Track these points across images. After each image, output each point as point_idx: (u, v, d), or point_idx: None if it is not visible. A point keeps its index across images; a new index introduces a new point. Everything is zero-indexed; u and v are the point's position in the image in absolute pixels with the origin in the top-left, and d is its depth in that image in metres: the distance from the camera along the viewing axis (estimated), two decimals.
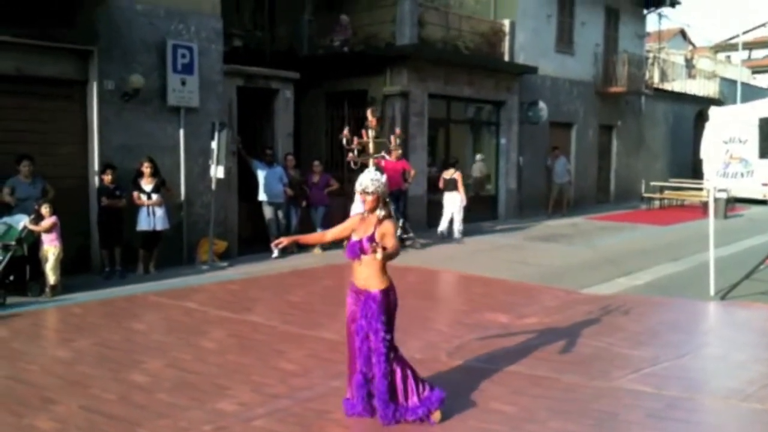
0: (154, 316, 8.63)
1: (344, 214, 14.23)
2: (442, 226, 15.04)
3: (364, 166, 5.44)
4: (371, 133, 5.48)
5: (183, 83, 11.63)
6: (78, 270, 10.56)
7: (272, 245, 5.40)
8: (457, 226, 15.00)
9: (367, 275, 5.11)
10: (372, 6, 17.05)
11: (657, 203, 23.44)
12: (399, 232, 13.31)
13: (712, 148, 9.94)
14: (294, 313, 8.81)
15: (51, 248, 9.36)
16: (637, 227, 18.01)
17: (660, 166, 27.22)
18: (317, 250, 13.12)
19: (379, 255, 4.81)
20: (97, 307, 8.84)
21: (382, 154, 12.01)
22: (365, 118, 16.08)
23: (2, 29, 9.67)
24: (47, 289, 9.31)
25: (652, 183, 23.87)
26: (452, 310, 9.07)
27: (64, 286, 9.55)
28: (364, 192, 5.09)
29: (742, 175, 9.64)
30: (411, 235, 14.30)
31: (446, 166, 15.54)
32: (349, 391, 5.35)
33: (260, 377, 6.27)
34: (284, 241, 5.41)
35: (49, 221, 9.33)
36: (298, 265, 11.96)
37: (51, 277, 9.34)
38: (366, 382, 5.14)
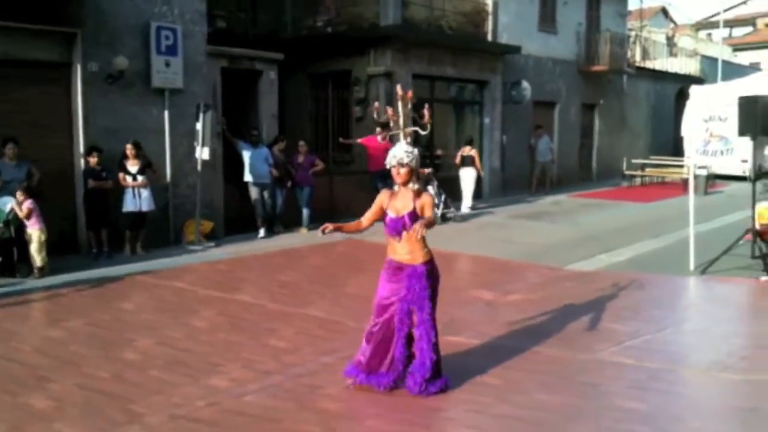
0: (144, 296, 8.68)
1: (329, 194, 14.40)
2: (467, 201, 16.26)
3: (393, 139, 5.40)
4: (401, 107, 5.44)
5: (167, 65, 11.62)
6: (66, 251, 10.61)
7: (318, 231, 5.28)
8: (467, 201, 16.27)
9: (408, 250, 5.15)
10: None
11: (638, 181, 23.67)
12: (441, 207, 14.31)
13: (692, 126, 10.09)
14: (282, 292, 8.92)
15: (33, 231, 9.36)
16: (619, 204, 18.21)
17: (642, 144, 27.43)
18: (303, 230, 13.22)
19: (419, 234, 4.87)
20: (87, 288, 8.89)
21: (380, 131, 12.14)
22: (349, 99, 16.20)
23: None
24: (35, 271, 9.35)
25: (634, 161, 24.08)
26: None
27: (53, 268, 9.58)
28: (399, 164, 5.09)
29: (722, 152, 9.82)
30: (452, 209, 15.12)
31: (464, 144, 16.73)
32: (364, 360, 5.33)
33: (251, 354, 6.37)
34: (329, 226, 5.24)
35: (25, 208, 9.28)
36: (285, 244, 12.04)
37: (36, 260, 9.37)
38: (404, 357, 5.19)
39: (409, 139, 5.44)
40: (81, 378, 5.75)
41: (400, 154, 5.10)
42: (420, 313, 5.13)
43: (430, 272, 5.20)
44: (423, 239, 5.15)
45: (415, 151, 5.20)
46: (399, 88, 5.65)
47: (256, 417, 5.00)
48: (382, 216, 5.30)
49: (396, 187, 5.23)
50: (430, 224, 4.99)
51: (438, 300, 5.34)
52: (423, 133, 5.62)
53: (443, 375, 5.36)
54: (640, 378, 5.72)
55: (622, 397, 5.33)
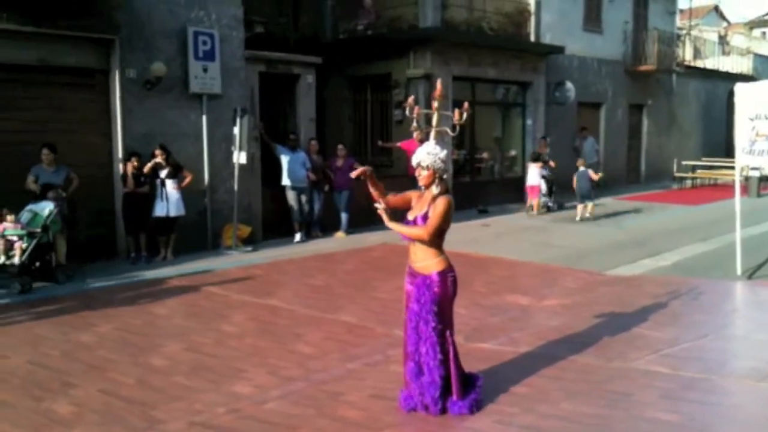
0: (177, 300, 8.71)
1: (368, 198, 14.25)
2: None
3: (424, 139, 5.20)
4: (436, 104, 5.22)
5: (205, 70, 11.69)
6: (104, 256, 10.76)
7: (353, 174, 5.01)
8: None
9: (422, 257, 4.93)
10: None
11: (689, 183, 23.10)
12: (550, 201, 17.02)
13: (738, 125, 9.76)
14: (314, 296, 8.86)
15: None
16: (668, 207, 17.78)
17: (692, 145, 26.77)
18: (340, 234, 13.17)
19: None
20: (121, 292, 8.95)
21: (413, 134, 12.08)
22: (388, 102, 16.05)
23: (25, 20, 9.82)
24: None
25: (684, 162, 23.48)
26: (472, 293, 8.92)
27: (90, 271, 9.69)
28: (419, 166, 4.87)
29: None
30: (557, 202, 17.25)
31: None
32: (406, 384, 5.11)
33: (277, 360, 6.33)
34: (364, 171, 4.90)
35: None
36: (321, 249, 12.00)
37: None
38: (419, 371, 4.91)
39: (446, 138, 5.19)
40: (105, 383, 5.76)
41: (422, 155, 4.87)
42: (425, 327, 4.85)
43: (442, 282, 4.91)
44: (439, 246, 4.93)
45: (441, 153, 4.92)
46: (439, 83, 5.40)
47: (273, 424, 4.93)
48: (404, 208, 5.08)
49: (422, 189, 5.01)
50: (417, 235, 4.78)
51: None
52: (451, 134, 5.40)
53: (474, 392, 5.10)
54: (674, 387, 5.48)
55: (653, 408, 5.11)
